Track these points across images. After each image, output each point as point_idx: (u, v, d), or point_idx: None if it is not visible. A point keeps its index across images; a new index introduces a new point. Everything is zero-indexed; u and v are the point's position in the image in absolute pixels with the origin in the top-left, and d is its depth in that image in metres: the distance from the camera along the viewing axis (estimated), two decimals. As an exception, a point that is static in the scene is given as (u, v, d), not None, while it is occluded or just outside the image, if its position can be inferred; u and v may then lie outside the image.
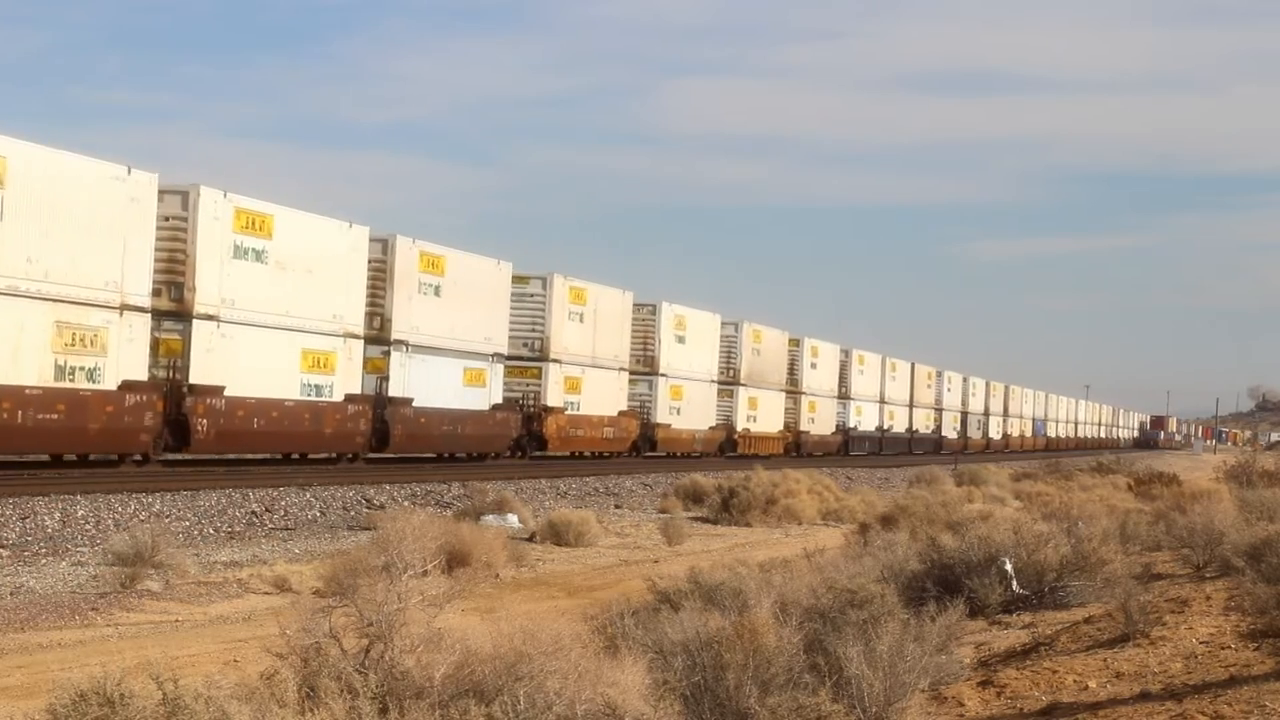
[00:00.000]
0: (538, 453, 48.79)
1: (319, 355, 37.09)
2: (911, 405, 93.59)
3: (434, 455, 44.61)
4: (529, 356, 48.33)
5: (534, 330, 48.56)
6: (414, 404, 41.07)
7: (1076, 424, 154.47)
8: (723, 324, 63.55)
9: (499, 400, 46.05)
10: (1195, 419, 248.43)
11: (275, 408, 35.36)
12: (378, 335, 39.87)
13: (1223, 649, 11.61)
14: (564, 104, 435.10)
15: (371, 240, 39.54)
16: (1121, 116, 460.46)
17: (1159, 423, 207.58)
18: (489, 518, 26.64)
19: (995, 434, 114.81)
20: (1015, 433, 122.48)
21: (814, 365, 75.31)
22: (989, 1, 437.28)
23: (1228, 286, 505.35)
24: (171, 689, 7.56)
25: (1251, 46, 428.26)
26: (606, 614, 11.67)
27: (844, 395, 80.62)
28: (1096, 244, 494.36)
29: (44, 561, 19.58)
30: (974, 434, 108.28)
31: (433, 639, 8.59)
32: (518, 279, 47.74)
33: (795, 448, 70.91)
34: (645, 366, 56.32)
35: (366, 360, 39.34)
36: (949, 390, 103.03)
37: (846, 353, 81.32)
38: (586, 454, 52.93)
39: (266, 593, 17.94)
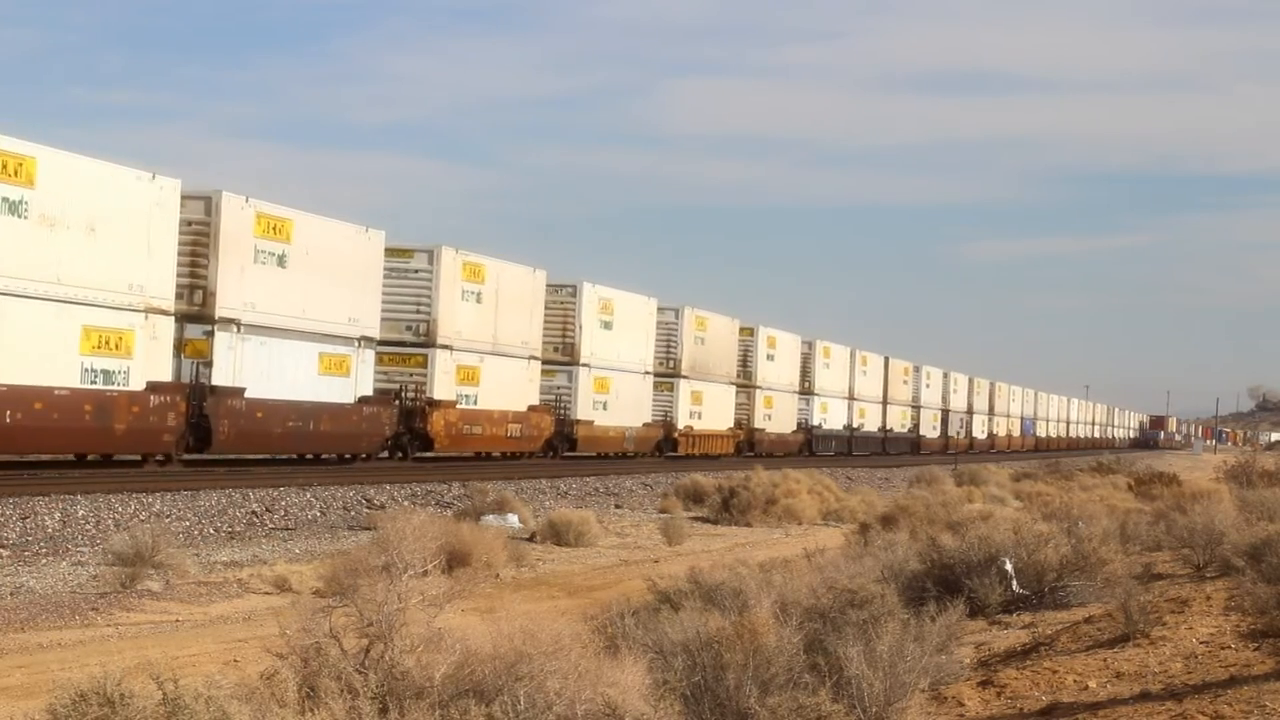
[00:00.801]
0: (423, 453, 42.25)
1: (107, 334, 30.26)
2: (885, 402, 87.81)
3: (290, 457, 38.47)
4: (412, 342, 41.60)
5: (418, 311, 41.77)
6: (247, 395, 34.17)
7: (1068, 423, 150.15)
8: (660, 309, 57.04)
9: (368, 392, 39.01)
10: (1195, 419, 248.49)
11: (40, 397, 28.64)
12: (198, 312, 33.37)
13: (1223, 649, 11.61)
14: (564, 104, 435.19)
15: (190, 198, 32.96)
16: (1121, 116, 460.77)
17: (1159, 423, 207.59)
18: (489, 518, 26.65)
19: (980, 433, 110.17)
20: (1002, 432, 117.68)
21: (771, 357, 68.88)
22: (989, 1, 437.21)
23: (1228, 286, 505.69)
24: (171, 689, 7.55)
25: (1253, 46, 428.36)
26: (607, 614, 11.68)
27: (806, 390, 74.72)
28: (1096, 244, 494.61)
29: (44, 561, 19.58)
30: (956, 434, 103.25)
31: (433, 639, 8.58)
32: (396, 252, 41.30)
33: (749, 447, 65.23)
34: (564, 355, 50.00)
35: (185, 342, 33.12)
36: (928, 387, 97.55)
37: (810, 344, 75.30)
38: (491, 455, 46.51)
39: (266, 593, 17.94)
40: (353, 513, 28.27)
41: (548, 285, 48.62)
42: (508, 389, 45.65)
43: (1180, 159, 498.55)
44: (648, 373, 55.57)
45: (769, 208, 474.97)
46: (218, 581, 18.53)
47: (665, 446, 57.17)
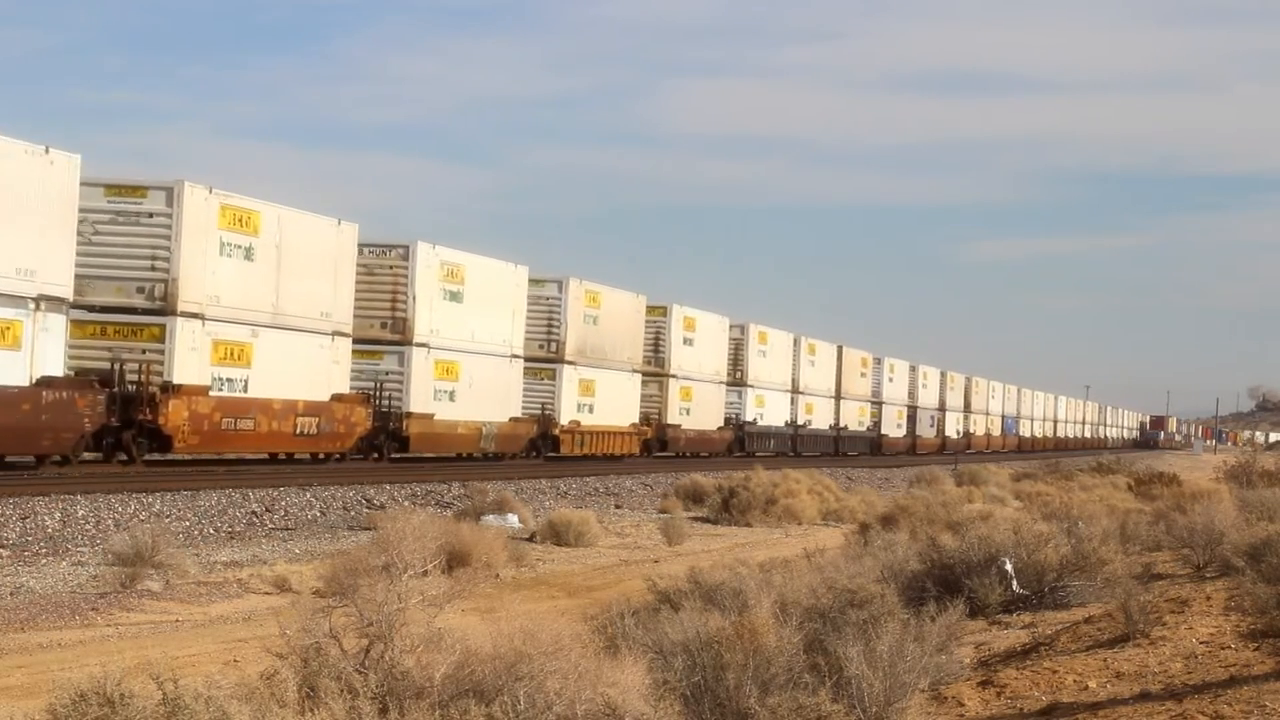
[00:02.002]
0: (160, 456, 32.86)
1: None
2: (838, 397, 78.86)
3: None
4: (144, 308, 31.95)
5: (153, 268, 31.95)
6: None
7: (1056, 422, 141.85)
8: (533, 281, 47.71)
9: (57, 372, 28.78)
10: (1195, 419, 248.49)
11: None
12: None
13: (1223, 649, 11.62)
14: (564, 104, 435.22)
15: None
16: (1122, 116, 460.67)
17: (1159, 423, 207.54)
18: (489, 518, 26.65)
19: (954, 433, 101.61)
20: (979, 431, 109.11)
21: (689, 342, 59.41)
22: (989, 1, 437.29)
23: (1228, 286, 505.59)
24: (171, 689, 7.56)
25: (1253, 46, 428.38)
26: (606, 614, 11.68)
27: (738, 381, 65.46)
28: (1096, 244, 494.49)
29: (44, 561, 19.58)
30: (925, 432, 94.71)
31: (433, 639, 8.59)
32: (120, 189, 32.20)
33: (660, 445, 57.13)
34: (393, 333, 40.22)
35: None
36: (891, 380, 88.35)
37: (741, 328, 66.01)
38: (276, 456, 37.16)
39: (266, 593, 17.95)
40: (353, 513, 28.28)
41: (368, 245, 39.62)
42: (297, 372, 35.59)
43: (1180, 159, 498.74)
44: (515, 356, 45.62)
45: (769, 208, 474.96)
46: (218, 581, 18.53)
47: (543, 446, 47.80)
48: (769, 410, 68.91)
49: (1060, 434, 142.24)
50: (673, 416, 58.17)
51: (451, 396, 42.26)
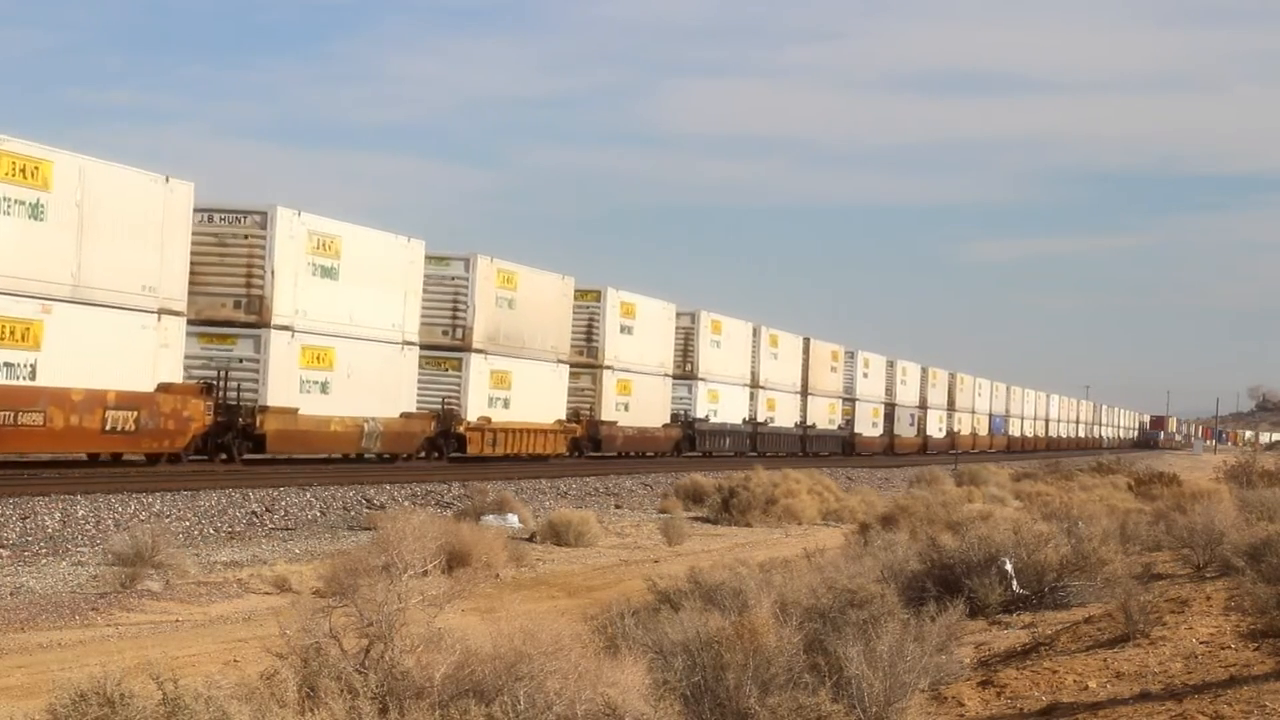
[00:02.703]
0: None
1: None
2: (805, 393, 73.65)
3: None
4: None
5: None
6: None
7: (1048, 422, 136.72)
8: (433, 258, 42.13)
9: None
10: (1195, 419, 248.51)
11: None
12: None
13: (1223, 649, 11.62)
14: (564, 104, 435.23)
15: None
16: (1121, 116, 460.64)
17: (1159, 423, 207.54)
18: (489, 518, 26.66)
19: (937, 431, 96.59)
20: (965, 430, 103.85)
21: (627, 330, 53.75)
22: (989, 1, 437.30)
23: (1228, 286, 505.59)
24: (171, 689, 7.56)
25: (1253, 46, 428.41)
26: (606, 614, 11.68)
27: (687, 374, 60.23)
28: (1096, 244, 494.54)
29: (44, 561, 19.58)
30: (905, 431, 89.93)
31: (433, 639, 8.59)
32: None
33: (593, 444, 51.86)
34: (247, 313, 34.79)
35: None
36: (865, 376, 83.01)
37: (692, 316, 60.62)
38: (100, 458, 32.41)
39: (266, 593, 17.95)
40: (353, 513, 28.28)
41: (219, 210, 34.53)
42: (108, 357, 30.08)
43: (1180, 159, 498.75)
44: (409, 343, 40.16)
45: (769, 208, 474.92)
46: (218, 581, 18.53)
47: (445, 445, 42.45)
48: (724, 406, 63.61)
49: (1053, 434, 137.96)
50: (608, 412, 52.42)
51: (323, 388, 36.53)
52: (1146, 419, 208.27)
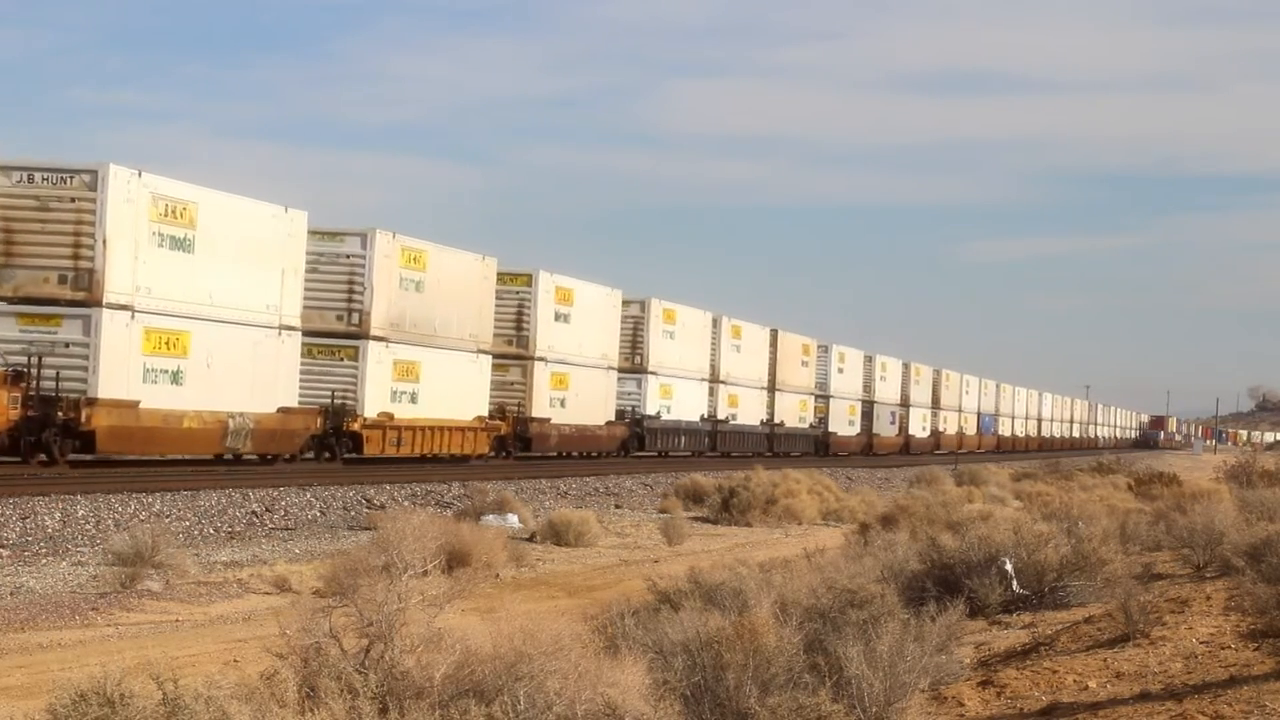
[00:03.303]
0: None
1: None
2: (772, 388, 68.73)
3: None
4: None
5: None
6: None
7: (1041, 421, 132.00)
8: (324, 234, 37.70)
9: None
10: (1195, 419, 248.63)
11: None
12: None
13: (1223, 649, 11.62)
14: (564, 104, 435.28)
15: None
16: (1121, 116, 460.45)
17: (1159, 423, 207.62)
18: (489, 518, 26.67)
19: (920, 431, 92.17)
20: (951, 430, 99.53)
21: (564, 318, 48.63)
22: (988, 1, 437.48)
23: (1228, 286, 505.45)
24: (171, 689, 7.56)
25: (1252, 46, 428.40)
26: (606, 614, 11.69)
27: (636, 368, 55.02)
28: (1096, 244, 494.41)
29: (44, 561, 19.59)
30: (885, 430, 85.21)
31: (433, 639, 8.59)
32: None
33: (521, 443, 46.54)
34: (76, 291, 29.66)
35: None
36: (841, 371, 78.38)
37: (642, 304, 55.58)
38: None
39: (266, 593, 17.96)
40: (353, 513, 28.28)
41: (41, 170, 30.02)
42: None
43: (1180, 159, 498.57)
44: (289, 328, 35.27)
45: (769, 208, 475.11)
46: (218, 581, 18.54)
47: (338, 445, 37.58)
48: (679, 402, 58.39)
49: (1046, 433, 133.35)
50: (540, 408, 47.13)
51: (175, 378, 31.53)
52: (1146, 419, 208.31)
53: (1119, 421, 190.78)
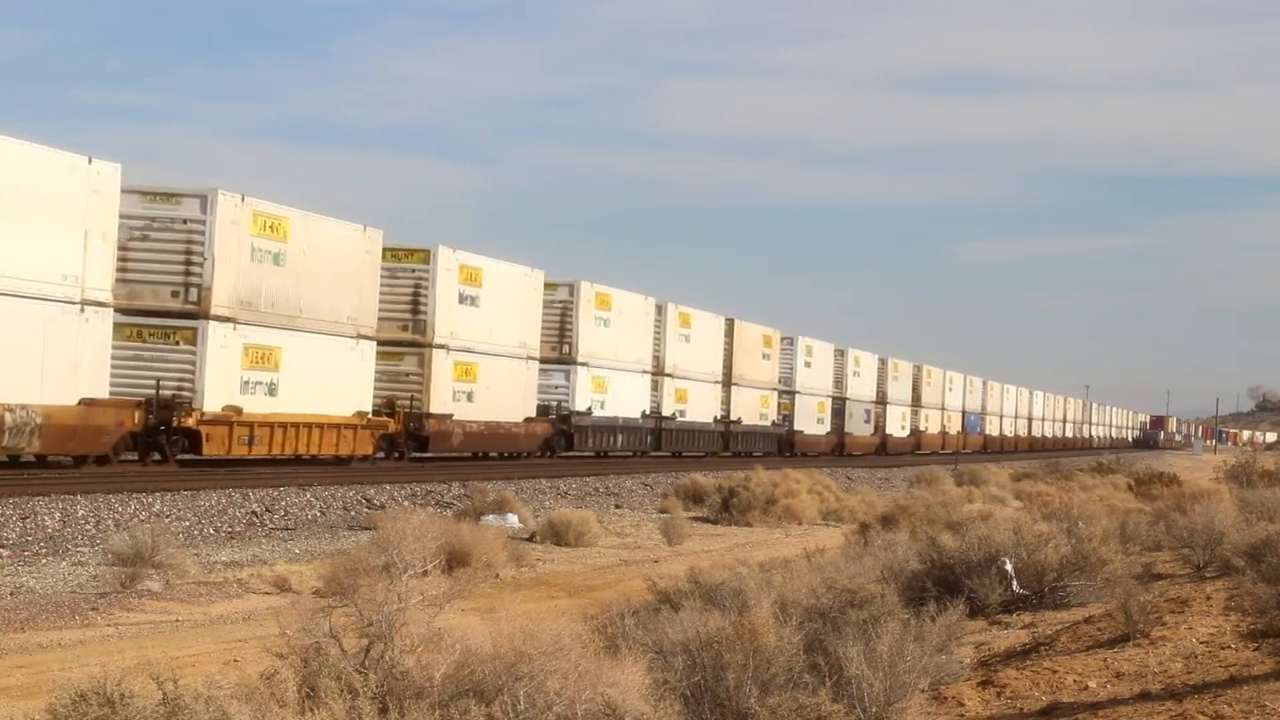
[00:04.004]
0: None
1: None
2: (729, 383, 63.40)
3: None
4: None
5: None
6: None
7: (1031, 420, 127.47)
8: (153, 195, 32.80)
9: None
10: (1195, 419, 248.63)
11: None
12: None
13: (1223, 649, 11.62)
14: (564, 104, 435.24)
15: None
16: (1122, 116, 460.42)
17: (1159, 423, 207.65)
18: (489, 518, 26.66)
19: (899, 430, 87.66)
20: (933, 429, 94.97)
21: (470, 300, 42.71)
22: (988, 1, 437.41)
23: (1228, 286, 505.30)
24: (171, 689, 7.56)
25: (1252, 46, 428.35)
26: (606, 614, 11.69)
27: (564, 359, 49.77)
28: (1096, 244, 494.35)
29: (44, 561, 19.59)
30: (859, 429, 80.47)
31: (433, 639, 8.59)
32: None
33: (415, 443, 41.03)
34: None
35: None
36: (808, 365, 73.08)
37: (571, 288, 50.05)
38: None
39: (266, 593, 17.96)
40: (353, 513, 28.28)
41: None
42: None
43: (1180, 159, 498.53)
44: (94, 303, 29.59)
45: (769, 208, 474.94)
46: (218, 581, 18.54)
47: (169, 443, 32.49)
48: (616, 397, 52.61)
49: (1037, 433, 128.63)
50: (440, 402, 41.30)
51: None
52: (1146, 419, 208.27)
53: (1116, 421, 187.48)
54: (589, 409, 50.91)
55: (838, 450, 75.33)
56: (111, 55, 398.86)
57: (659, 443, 57.05)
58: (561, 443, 49.35)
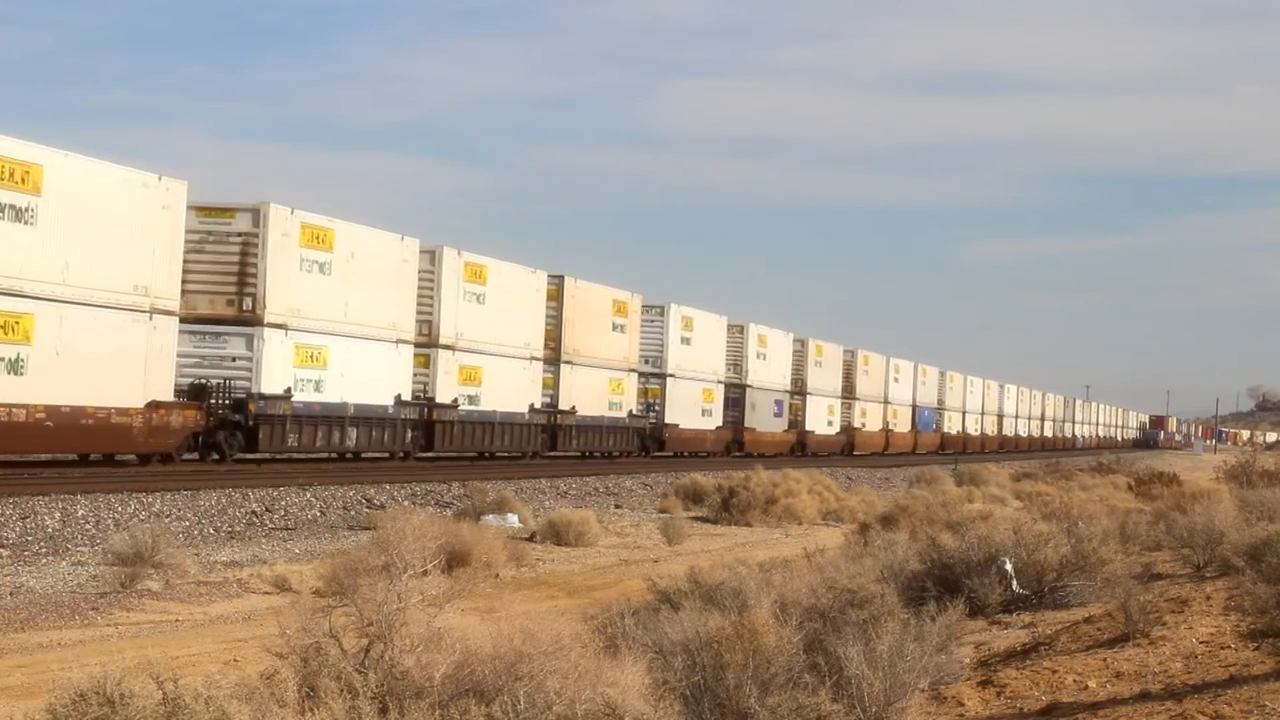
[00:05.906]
0: None
1: None
2: (557, 361, 49.59)
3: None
4: None
5: None
6: None
7: (1002, 417, 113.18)
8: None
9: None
10: (1195, 419, 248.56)
11: None
12: None
13: (1223, 649, 11.61)
14: (564, 104, 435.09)
15: None
16: (1122, 116, 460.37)
17: (1159, 423, 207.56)
18: (489, 517, 26.66)
19: (825, 425, 74.75)
20: (872, 425, 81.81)
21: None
22: (989, 1, 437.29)
23: (1228, 286, 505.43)
24: (171, 689, 7.55)
25: (1252, 46, 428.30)
26: (606, 614, 11.69)
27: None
28: (1096, 244, 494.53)
29: (44, 561, 19.58)
30: (766, 425, 67.51)
31: (433, 639, 8.59)
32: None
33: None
34: None
35: None
36: (686, 343, 59.41)
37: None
38: None
39: (266, 593, 17.95)
40: (353, 512, 28.27)
41: None
42: None
43: (1180, 159, 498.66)
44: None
45: (769, 208, 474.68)
46: (218, 581, 18.53)
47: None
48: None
49: (1009, 431, 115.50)
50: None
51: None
52: (1146, 418, 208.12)
53: (1105, 419, 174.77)
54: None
55: (735, 448, 63.01)
56: (111, 55, 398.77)
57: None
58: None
